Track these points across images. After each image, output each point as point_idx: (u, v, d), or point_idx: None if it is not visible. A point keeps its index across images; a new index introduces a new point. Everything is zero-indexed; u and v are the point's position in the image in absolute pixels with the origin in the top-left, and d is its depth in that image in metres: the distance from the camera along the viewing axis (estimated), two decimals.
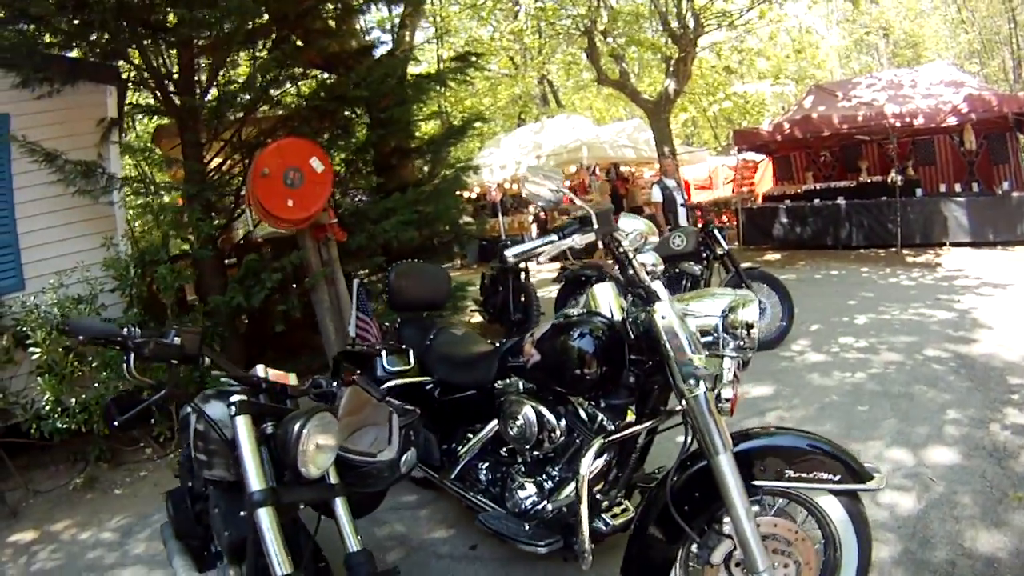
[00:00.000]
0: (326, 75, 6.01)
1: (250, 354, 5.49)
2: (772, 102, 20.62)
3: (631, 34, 12.77)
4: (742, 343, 1.78)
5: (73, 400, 4.14)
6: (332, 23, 6.07)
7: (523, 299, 6.00)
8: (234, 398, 1.72)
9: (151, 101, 5.62)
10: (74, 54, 5.11)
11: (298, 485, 1.73)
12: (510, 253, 1.97)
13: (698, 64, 14.40)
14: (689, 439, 1.81)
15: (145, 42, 4.91)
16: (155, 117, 6.42)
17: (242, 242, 6.48)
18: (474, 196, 14.28)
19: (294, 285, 5.21)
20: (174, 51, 5.24)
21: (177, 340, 1.70)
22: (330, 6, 5.89)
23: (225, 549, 1.72)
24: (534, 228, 11.66)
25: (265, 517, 1.59)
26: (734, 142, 12.31)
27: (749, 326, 1.78)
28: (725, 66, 16.25)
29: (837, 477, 1.71)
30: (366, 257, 5.52)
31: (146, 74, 5.15)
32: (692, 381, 1.71)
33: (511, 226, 10.27)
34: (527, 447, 2.24)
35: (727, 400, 1.70)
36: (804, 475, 1.73)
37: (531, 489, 2.25)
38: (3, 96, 4.70)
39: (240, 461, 1.65)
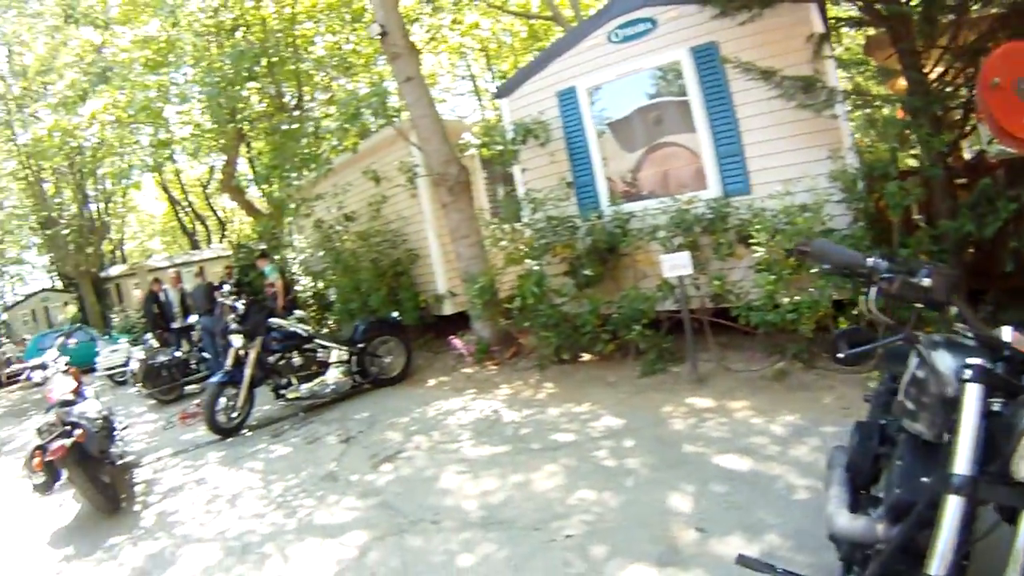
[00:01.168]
0: None
1: (971, 289, 4.84)
2: None
3: None
4: None
5: (786, 299, 4.45)
6: None
7: None
8: (973, 360, 1.45)
9: (854, 13, 5.45)
10: None
11: (1001, 482, 1.40)
12: None
13: None
14: None
15: None
16: (863, 28, 6.25)
17: (974, 162, 5.87)
18: None
19: None
20: None
21: (927, 281, 1.51)
22: None
23: (888, 504, 1.62)
24: None
25: (953, 505, 1.39)
26: None
27: None
28: None
29: None
30: None
31: None
32: None
33: None
34: None
35: None
36: None
37: None
38: (708, 27, 5.37)
39: (955, 433, 1.42)
